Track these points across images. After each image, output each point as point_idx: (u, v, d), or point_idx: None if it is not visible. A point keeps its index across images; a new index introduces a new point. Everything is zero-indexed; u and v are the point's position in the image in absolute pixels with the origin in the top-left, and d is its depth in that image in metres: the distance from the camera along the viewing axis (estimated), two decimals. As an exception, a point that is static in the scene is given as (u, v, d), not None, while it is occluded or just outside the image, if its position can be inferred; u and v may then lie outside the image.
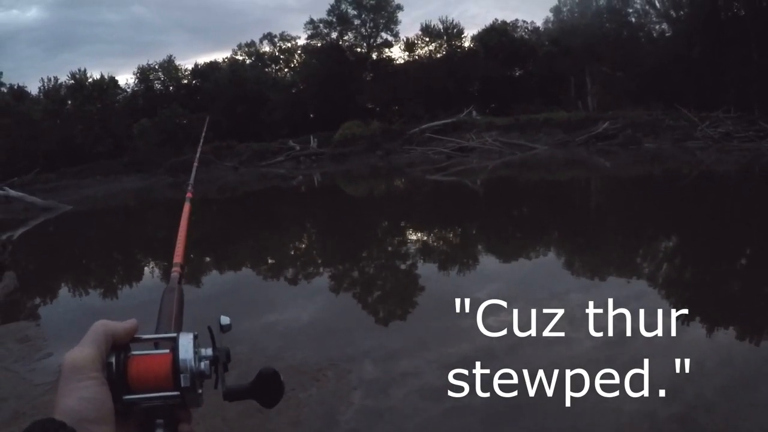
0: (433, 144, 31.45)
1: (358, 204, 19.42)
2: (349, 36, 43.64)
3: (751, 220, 10.79)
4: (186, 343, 0.72)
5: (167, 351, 0.72)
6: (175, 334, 0.74)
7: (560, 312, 6.13)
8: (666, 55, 33.58)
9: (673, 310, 6.13)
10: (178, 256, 0.99)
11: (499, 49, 40.95)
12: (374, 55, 43.72)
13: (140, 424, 0.72)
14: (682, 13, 36.27)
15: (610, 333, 5.41)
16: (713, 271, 7.89)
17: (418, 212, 15.73)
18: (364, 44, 43.60)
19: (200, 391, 0.72)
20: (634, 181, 19.04)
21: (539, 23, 44.51)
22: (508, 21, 44.23)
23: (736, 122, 27.44)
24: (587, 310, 6.17)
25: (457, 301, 7.08)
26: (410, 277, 8.89)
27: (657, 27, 39.76)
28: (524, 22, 44.62)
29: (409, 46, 43.88)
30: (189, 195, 1.43)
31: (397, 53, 44.79)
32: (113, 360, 0.69)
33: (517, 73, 42.91)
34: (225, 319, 0.79)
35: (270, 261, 11.39)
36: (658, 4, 38.48)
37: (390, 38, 43.66)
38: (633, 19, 39.64)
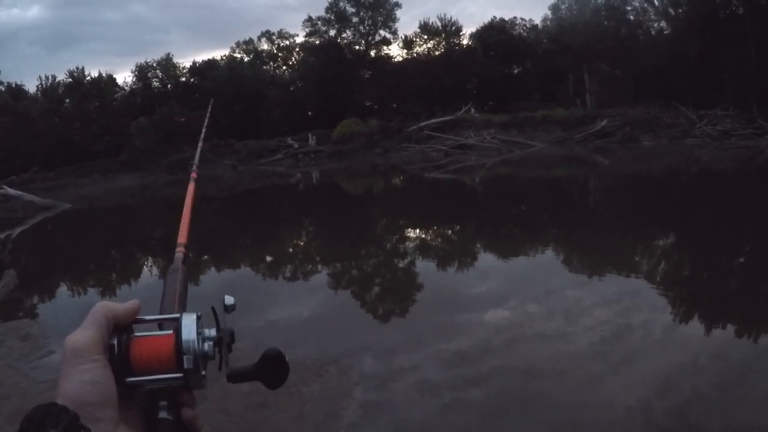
0: (432, 142, 31.47)
1: (356, 202, 19.44)
2: (348, 34, 43.66)
3: (748, 218, 10.84)
4: (189, 323, 0.70)
5: (170, 332, 0.70)
6: (178, 315, 0.72)
7: (557, 308, 6.20)
8: (664, 52, 33.63)
9: (669, 306, 6.19)
10: (182, 237, 0.98)
11: (497, 46, 41.01)
12: (372, 53, 43.74)
13: (143, 407, 0.70)
14: (680, 11, 36.32)
15: (607, 328, 5.47)
16: (709, 267, 7.95)
17: (416, 210, 15.75)
18: (363, 42, 43.62)
19: (204, 372, 0.70)
20: (632, 178, 19.09)
21: (537, 21, 44.58)
22: (507, 19, 44.31)
23: (734, 120, 27.50)
24: (584, 306, 6.25)
25: (455, 297, 7.15)
26: (409, 274, 8.93)
27: (655, 25, 39.85)
28: (522, 19, 44.69)
29: (408, 43, 43.90)
30: (193, 175, 1.41)
31: (396, 51, 44.87)
32: (115, 342, 0.68)
33: (516, 71, 42.96)
34: (229, 299, 0.77)
35: (269, 258, 11.42)
36: (656, 2, 38.56)
37: (388, 36, 43.72)
38: (631, 17, 39.69)
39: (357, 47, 43.63)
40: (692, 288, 7.17)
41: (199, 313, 0.73)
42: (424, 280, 8.22)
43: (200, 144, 2.00)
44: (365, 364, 5.16)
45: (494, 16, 44.67)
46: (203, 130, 2.14)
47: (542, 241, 10.25)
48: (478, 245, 10.74)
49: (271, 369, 0.75)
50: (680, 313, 5.94)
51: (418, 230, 13.04)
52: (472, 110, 35.29)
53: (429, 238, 12.19)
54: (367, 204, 18.67)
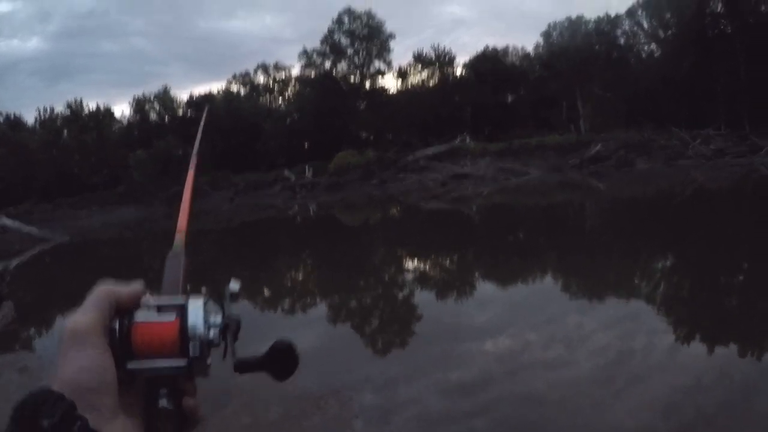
0: (428, 171, 31.60)
1: (354, 233, 19.45)
2: (343, 65, 44.11)
3: (742, 235, 10.90)
4: (195, 309, 0.68)
5: (175, 317, 0.67)
6: (184, 300, 0.69)
7: (557, 334, 6.18)
8: (655, 75, 34.09)
9: (670, 328, 6.18)
10: (182, 224, 0.95)
11: (490, 75, 41.45)
12: (367, 84, 44.18)
13: (144, 394, 0.67)
14: (670, 32, 36.89)
15: (609, 352, 5.44)
16: (707, 287, 7.95)
17: (414, 240, 15.76)
18: (358, 72, 44.06)
19: (208, 360, 0.67)
20: (629, 202, 19.16)
21: (530, 48, 45.17)
22: (500, 47, 44.89)
23: (727, 138, 27.75)
24: (584, 332, 6.23)
25: (455, 326, 7.12)
26: (408, 305, 8.91)
27: (646, 48, 40.49)
28: (515, 48, 45.27)
29: (402, 74, 44.40)
30: (193, 163, 1.37)
31: (390, 81, 45.35)
32: (117, 326, 0.64)
33: (509, 99, 43.39)
34: (234, 286, 0.73)
35: (267, 291, 11.38)
36: (646, 25, 39.20)
37: (383, 66, 44.20)
38: (622, 41, 40.35)
39: (352, 77, 44.03)
40: (691, 308, 7.16)
41: (206, 299, 0.71)
42: (424, 310, 8.19)
43: (200, 129, 1.93)
44: (365, 395, 5.12)
45: (487, 45, 45.27)
46: (201, 124, 2.09)
47: (540, 268, 10.25)
48: (477, 274, 10.73)
49: (280, 360, 0.73)
50: (681, 334, 5.92)
51: (416, 260, 13.03)
52: (468, 139, 35.53)
53: (427, 268, 12.19)
54: (365, 235, 18.67)
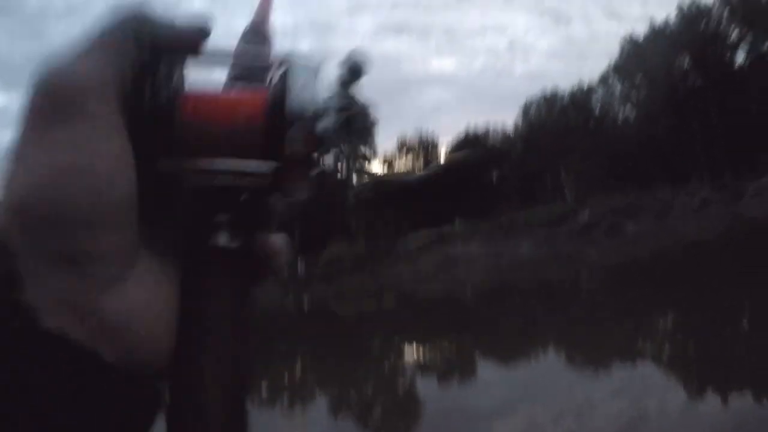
0: (419, 258, 31.63)
1: (350, 324, 19.20)
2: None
3: (733, 283, 10.88)
4: (301, 73, 0.35)
5: (261, 85, 0.37)
6: (280, 58, 0.36)
7: (566, 407, 5.98)
8: (633, 136, 35.00)
9: (682, 385, 6.01)
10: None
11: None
12: (354, 178, 45.11)
13: (188, 223, 0.34)
14: (643, 93, 38.16)
15: (621, 419, 5.26)
16: (709, 340, 7.84)
17: (410, 328, 15.54)
18: (345, 162, 45.12)
19: (314, 166, 0.35)
20: (620, 267, 19.13)
21: (510, 122, 46.62)
22: (481, 126, 46.27)
23: (711, 189, 28.17)
24: (593, 401, 6.04)
25: (461, 409, 6.89)
26: (411, 392, 8.69)
27: (621, 112, 41.79)
28: (495, 129, 46.54)
29: (387, 161, 45.54)
30: None
31: (376, 167, 46.38)
32: (150, 85, 0.32)
33: (494, 178, 44.18)
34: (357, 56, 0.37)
35: (264, 387, 11.07)
36: (618, 89, 40.64)
37: (368, 152, 45.17)
38: (597, 109, 41.71)
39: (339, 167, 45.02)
40: (696, 362, 7.02)
41: (317, 66, 0.36)
42: (427, 396, 7.97)
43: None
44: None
45: (468, 128, 46.52)
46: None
47: (542, 344, 10.09)
48: (478, 356, 10.57)
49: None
50: (691, 390, 5.77)
51: (414, 347, 12.82)
52: (456, 222, 35.84)
53: (426, 354, 11.99)
54: (361, 325, 18.42)
